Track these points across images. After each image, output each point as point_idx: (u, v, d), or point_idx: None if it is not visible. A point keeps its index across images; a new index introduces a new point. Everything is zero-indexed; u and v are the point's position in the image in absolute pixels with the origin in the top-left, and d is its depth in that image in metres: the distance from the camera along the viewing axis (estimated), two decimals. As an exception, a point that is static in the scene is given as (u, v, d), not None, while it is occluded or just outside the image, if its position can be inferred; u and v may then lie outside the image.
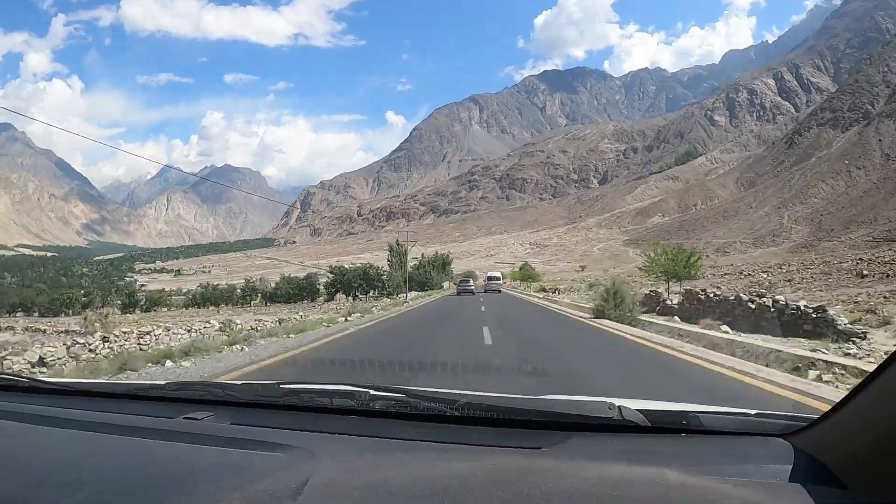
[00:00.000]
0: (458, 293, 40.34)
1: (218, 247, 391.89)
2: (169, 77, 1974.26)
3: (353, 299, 60.69)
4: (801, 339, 9.70)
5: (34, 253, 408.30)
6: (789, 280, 38.16)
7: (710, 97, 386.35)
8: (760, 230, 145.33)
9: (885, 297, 21.81)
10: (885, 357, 0.86)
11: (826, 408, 1.08)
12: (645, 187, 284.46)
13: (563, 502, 0.90)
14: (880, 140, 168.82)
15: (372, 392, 1.51)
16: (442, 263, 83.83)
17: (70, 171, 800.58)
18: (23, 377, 1.86)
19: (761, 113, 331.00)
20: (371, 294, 64.60)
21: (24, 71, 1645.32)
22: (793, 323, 11.42)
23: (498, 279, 50.68)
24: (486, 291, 43.21)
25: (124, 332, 14.34)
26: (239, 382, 1.79)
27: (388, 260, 71.30)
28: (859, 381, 0.99)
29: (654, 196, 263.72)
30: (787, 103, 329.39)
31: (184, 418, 1.44)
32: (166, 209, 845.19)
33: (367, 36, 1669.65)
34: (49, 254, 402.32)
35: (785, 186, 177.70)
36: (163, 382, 1.86)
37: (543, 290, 49.61)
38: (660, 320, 13.75)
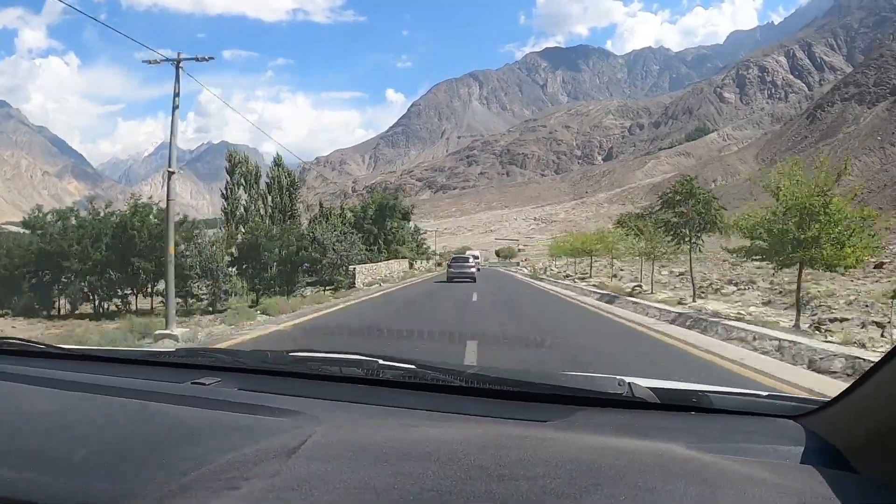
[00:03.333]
0: (450, 279, 28.81)
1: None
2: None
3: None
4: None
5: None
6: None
7: (720, 74, 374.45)
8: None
9: None
10: None
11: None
12: (655, 163, 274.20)
13: (562, 469, 0.87)
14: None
15: (381, 362, 1.52)
16: (380, 212, 41.86)
17: (66, 148, 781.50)
18: (39, 343, 1.91)
19: (773, 91, 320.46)
20: (98, 295, 24.96)
21: (20, 47, 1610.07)
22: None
23: (476, 258, 44.73)
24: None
25: None
26: (248, 350, 1.76)
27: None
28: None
29: (665, 172, 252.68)
30: (799, 81, 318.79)
31: (192, 383, 1.46)
32: (161, 186, 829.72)
33: (368, 11, 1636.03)
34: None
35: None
36: (173, 349, 1.88)
37: None
38: None
